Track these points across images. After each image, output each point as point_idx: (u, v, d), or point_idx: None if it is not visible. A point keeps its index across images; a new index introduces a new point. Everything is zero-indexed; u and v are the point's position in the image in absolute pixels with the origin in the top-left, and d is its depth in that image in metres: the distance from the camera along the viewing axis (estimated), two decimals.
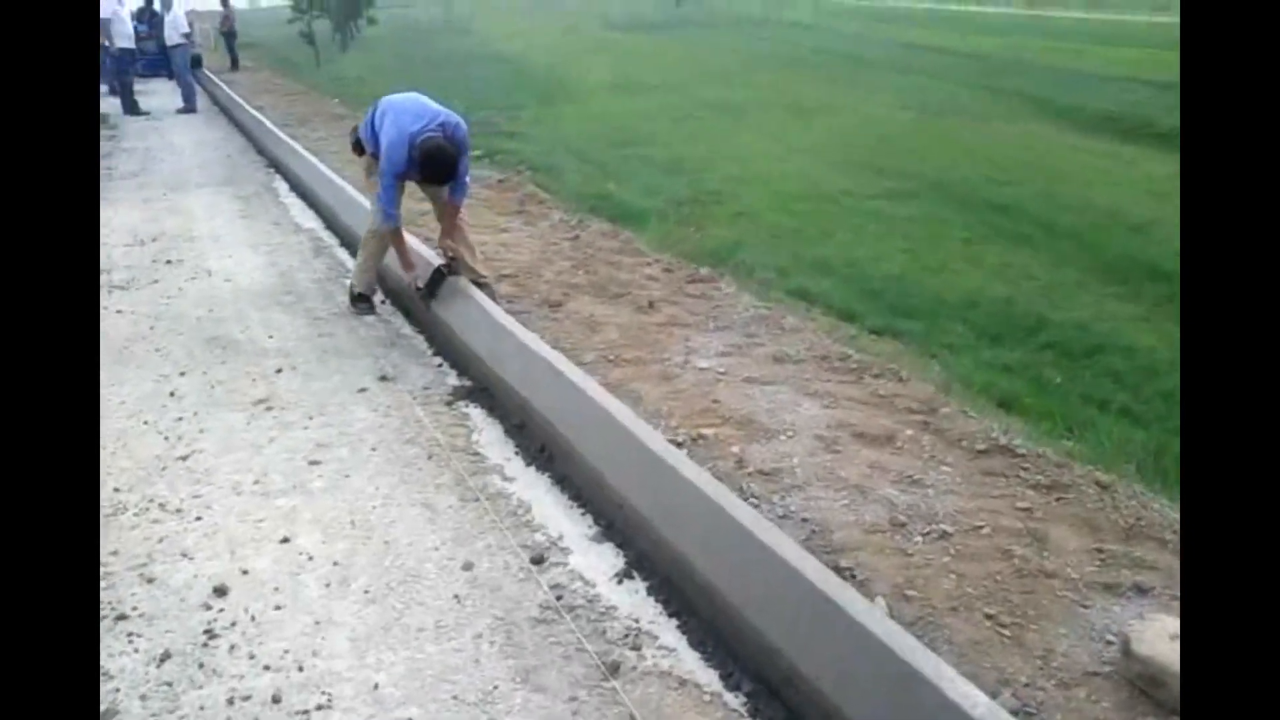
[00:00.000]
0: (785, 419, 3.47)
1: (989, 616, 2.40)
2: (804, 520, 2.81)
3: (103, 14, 13.98)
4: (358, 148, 5.14)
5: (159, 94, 15.99)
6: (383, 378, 4.22)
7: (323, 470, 3.39)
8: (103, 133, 12.27)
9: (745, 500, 2.90)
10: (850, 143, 17.40)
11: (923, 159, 14.88)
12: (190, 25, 16.34)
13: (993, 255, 11.07)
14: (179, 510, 3.13)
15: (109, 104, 14.75)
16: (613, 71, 33.07)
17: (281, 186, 8.69)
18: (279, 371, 4.29)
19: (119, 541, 2.94)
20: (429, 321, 4.80)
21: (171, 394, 4.05)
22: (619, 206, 20.49)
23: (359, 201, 6.61)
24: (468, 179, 5.03)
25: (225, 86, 16.14)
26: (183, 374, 4.27)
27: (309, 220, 7.28)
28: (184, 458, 3.49)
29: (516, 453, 3.53)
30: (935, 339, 10.87)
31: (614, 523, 2.98)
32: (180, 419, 3.81)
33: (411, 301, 4.99)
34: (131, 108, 14.07)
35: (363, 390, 4.09)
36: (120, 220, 7.31)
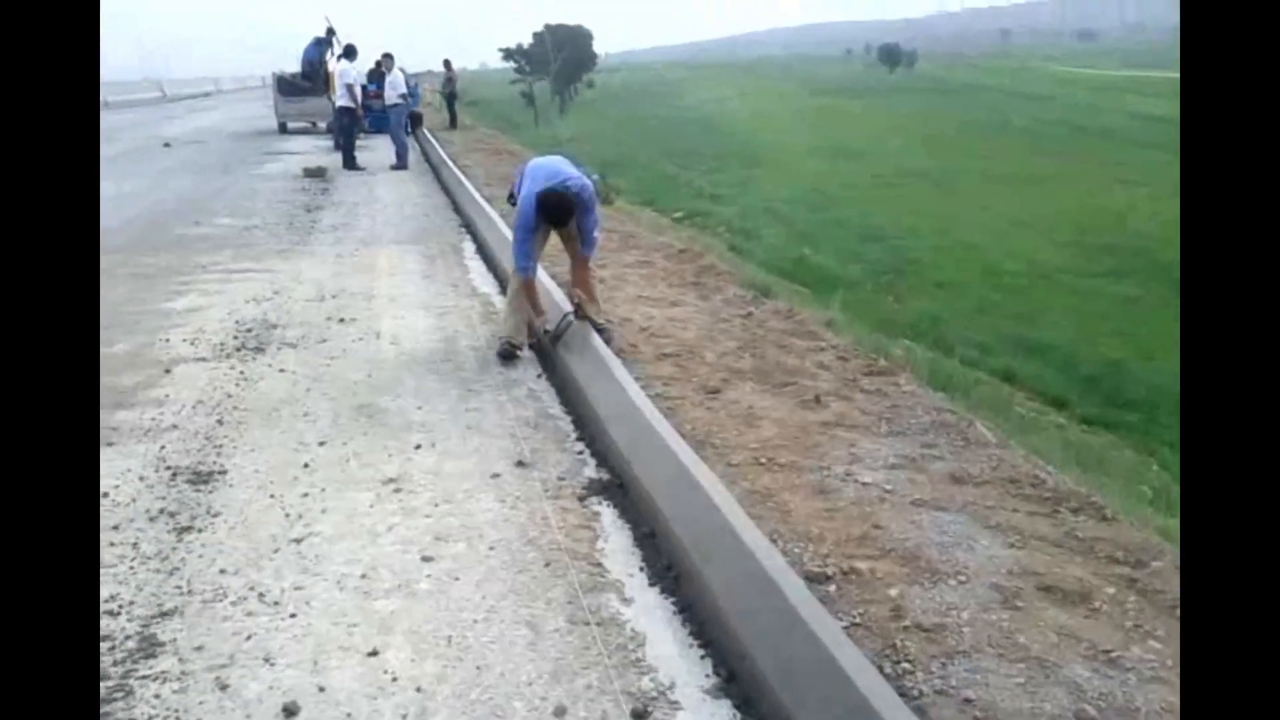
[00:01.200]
0: (958, 558, 2.94)
1: None
2: (966, 701, 2.28)
3: (345, 79, 14.95)
4: (512, 200, 5.58)
5: (377, 150, 16.85)
6: (519, 463, 3.96)
7: (433, 569, 3.13)
8: (319, 186, 13.00)
9: (897, 665, 2.42)
10: (1070, 217, 16.22)
11: (1152, 238, 13.64)
12: (410, 86, 17.22)
13: None
14: (276, 603, 2.92)
15: (333, 158, 15.67)
16: (819, 136, 32.71)
17: (469, 247, 8.79)
18: (417, 448, 4.11)
19: (207, 635, 2.76)
20: (576, 402, 4.54)
21: (305, 465, 3.93)
22: (813, 271, 20.01)
23: None
24: (596, 234, 5.45)
25: (438, 145, 16.86)
26: (322, 444, 4.16)
27: (486, 284, 7.24)
28: (298, 540, 3.31)
29: (641, 568, 3.15)
30: (1155, 434, 9.72)
31: (736, 674, 2.54)
32: (306, 495, 3.67)
33: (545, 354, 5.26)
34: (350, 163, 14.87)
35: (495, 476, 3.83)
36: (310, 274, 7.53)
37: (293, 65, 21.80)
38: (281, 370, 5.15)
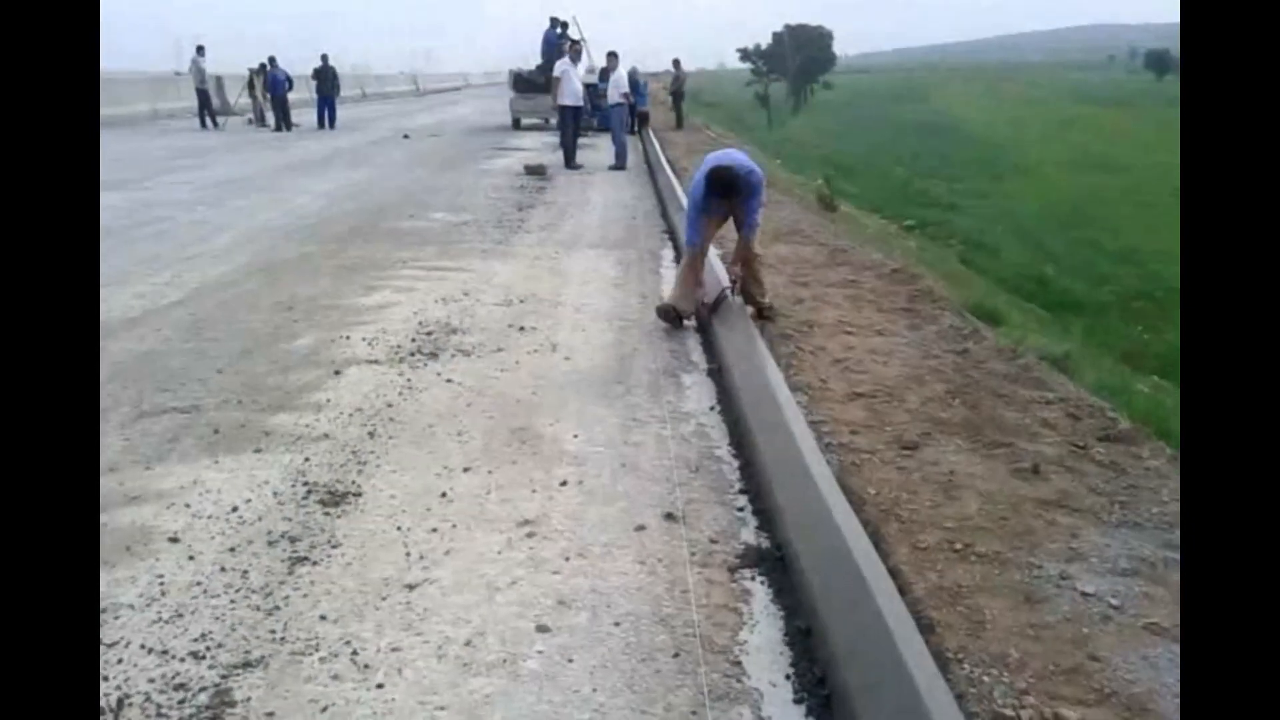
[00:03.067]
0: None
1: None
2: None
3: (555, 73, 14.99)
4: None
5: (602, 149, 16.82)
6: (669, 515, 3.47)
7: (547, 643, 2.70)
8: (536, 184, 13.05)
9: None
10: None
11: None
12: (635, 85, 17.09)
13: None
14: (367, 667, 2.58)
15: (555, 156, 15.77)
16: (1075, 147, 30.45)
17: (667, 255, 8.41)
18: (563, 485, 3.71)
19: (283, 699, 2.45)
20: (748, 445, 4.00)
21: (443, 495, 3.61)
22: (1055, 292, 18.46)
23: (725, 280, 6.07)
24: (757, 218, 5.76)
25: (659, 146, 16.64)
26: (467, 470, 3.84)
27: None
28: (412, 587, 2.98)
29: (788, 676, 2.58)
30: None
31: None
32: (435, 530, 3.34)
33: (724, 387, 4.32)
34: (570, 162, 14.89)
35: (640, 529, 3.37)
36: (503, 276, 7.36)
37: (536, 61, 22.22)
38: (448, 381, 4.91)
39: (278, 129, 22.83)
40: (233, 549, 3.19)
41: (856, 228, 15.47)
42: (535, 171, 13.94)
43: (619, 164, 14.97)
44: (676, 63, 25.10)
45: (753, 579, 3.07)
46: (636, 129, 19.48)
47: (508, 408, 4.55)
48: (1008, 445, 3.87)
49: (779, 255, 7.77)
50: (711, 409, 4.57)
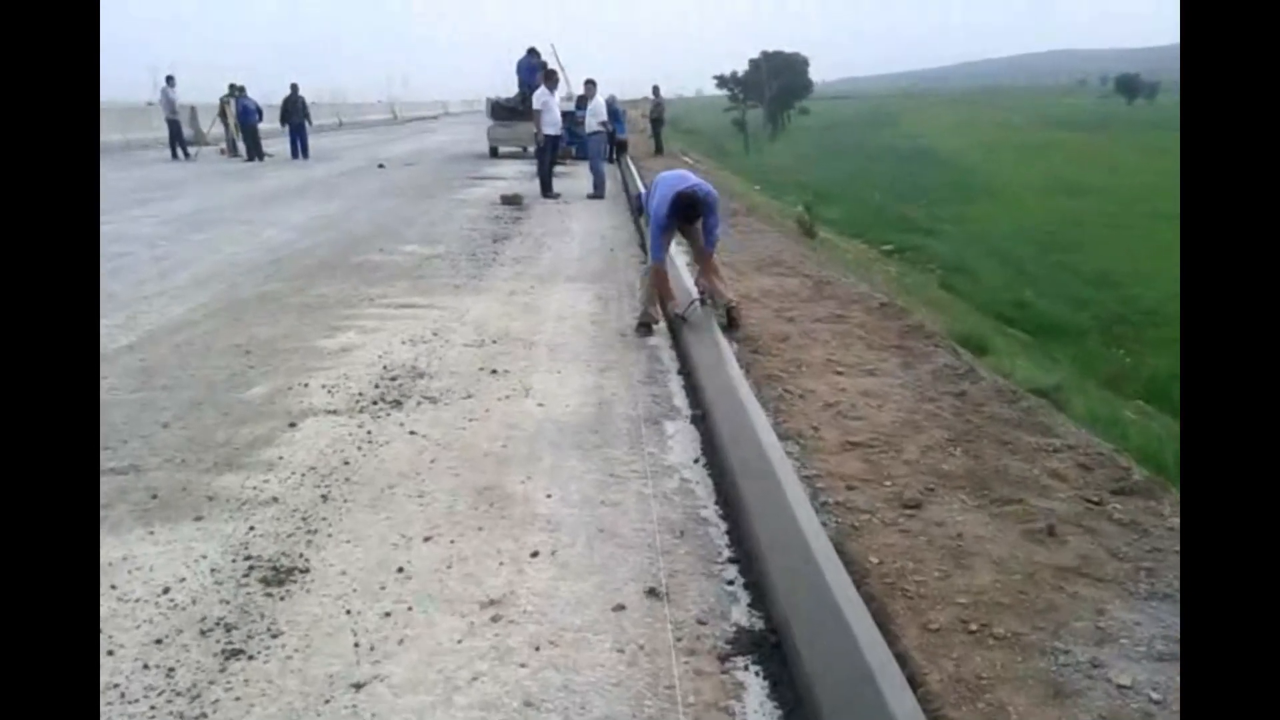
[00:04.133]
0: None
1: None
2: None
3: (535, 104, 14.73)
4: (640, 212, 6.86)
5: (581, 177, 16.56)
6: (651, 591, 3.13)
7: None
8: (512, 214, 12.75)
9: None
10: None
11: None
12: (614, 113, 16.86)
13: None
14: None
15: (533, 185, 15.49)
16: (1048, 171, 30.53)
17: None
18: (534, 556, 3.36)
19: None
20: (736, 503, 3.67)
21: (400, 570, 3.26)
22: (1035, 317, 18.33)
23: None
24: (718, 232, 6.29)
25: (638, 174, 16.38)
26: (427, 539, 3.49)
27: (658, 336, 6.48)
28: (359, 686, 2.62)
29: None
30: None
31: None
32: (389, 615, 2.98)
33: (709, 436, 3.96)
34: (547, 191, 14.60)
35: (619, 609, 3.03)
36: (476, 314, 7.03)
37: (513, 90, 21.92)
38: (412, 433, 4.56)
39: (250, 159, 22.48)
40: (160, 640, 2.83)
41: (837, 254, 15.24)
42: (512, 201, 13.64)
43: (597, 193, 14.70)
44: (656, 89, 24.89)
45: (746, 668, 2.73)
46: (615, 157, 19.24)
47: (475, 463, 4.21)
48: (1018, 501, 3.56)
49: (762, 288, 7.49)
50: (696, 461, 4.24)
